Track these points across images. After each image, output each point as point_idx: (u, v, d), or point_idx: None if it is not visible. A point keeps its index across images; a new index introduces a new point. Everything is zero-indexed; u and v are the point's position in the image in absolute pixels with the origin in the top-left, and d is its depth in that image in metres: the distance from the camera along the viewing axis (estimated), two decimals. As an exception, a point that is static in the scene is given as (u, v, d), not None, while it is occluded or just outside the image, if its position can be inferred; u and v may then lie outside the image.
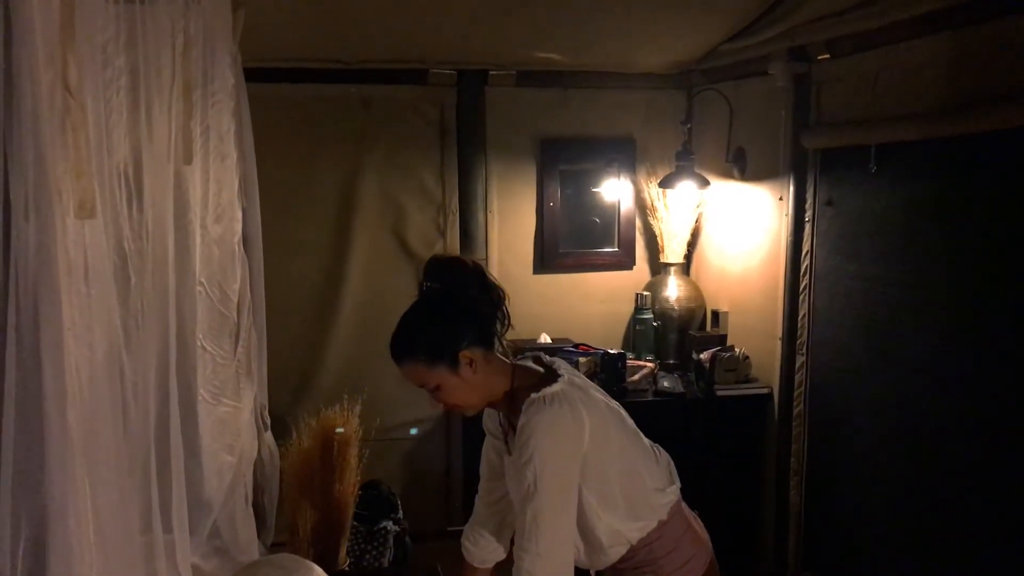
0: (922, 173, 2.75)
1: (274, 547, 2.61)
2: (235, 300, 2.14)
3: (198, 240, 1.91)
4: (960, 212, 2.59)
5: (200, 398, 1.97)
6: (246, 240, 2.32)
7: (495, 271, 4.10)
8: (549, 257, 4.15)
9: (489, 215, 4.09)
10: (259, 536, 2.45)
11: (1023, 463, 2.33)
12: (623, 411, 2.04)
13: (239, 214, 2.18)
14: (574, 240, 4.21)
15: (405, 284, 3.76)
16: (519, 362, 2.03)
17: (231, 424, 2.16)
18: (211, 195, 1.99)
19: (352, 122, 3.89)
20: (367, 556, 3.42)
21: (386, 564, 3.42)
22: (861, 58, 2.95)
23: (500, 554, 2.24)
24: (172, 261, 1.67)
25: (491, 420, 2.13)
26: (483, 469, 2.21)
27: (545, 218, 4.13)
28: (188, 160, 1.71)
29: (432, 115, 3.98)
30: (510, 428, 1.98)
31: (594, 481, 1.89)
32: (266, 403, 2.50)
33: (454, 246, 4.04)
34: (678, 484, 2.06)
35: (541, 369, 1.98)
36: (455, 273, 1.93)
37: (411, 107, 3.95)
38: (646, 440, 2.07)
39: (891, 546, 2.96)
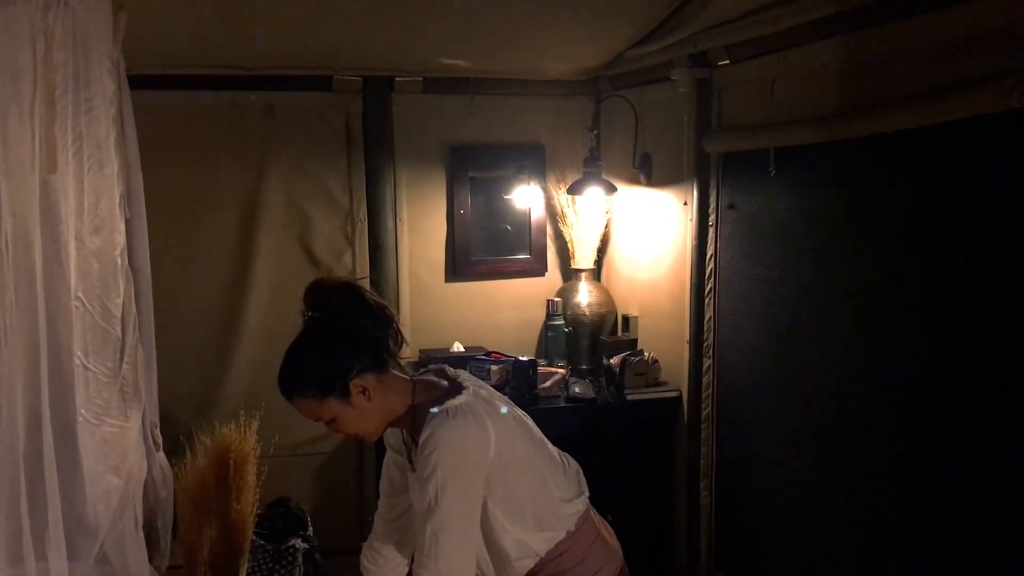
0: (820, 176, 2.80)
1: (170, 571, 2.51)
2: (118, 315, 2.04)
3: (72, 253, 1.82)
4: (858, 214, 2.63)
5: (80, 418, 1.87)
6: (131, 252, 2.22)
7: (406, 280, 4.07)
8: (461, 265, 4.13)
9: (399, 223, 4.04)
10: (152, 560, 2.35)
11: (929, 462, 2.37)
12: (530, 421, 2.01)
13: (122, 226, 2.09)
14: (486, 247, 4.19)
15: (312, 294, 3.68)
16: (421, 376, 1.99)
17: (116, 445, 2.06)
18: (87, 205, 1.89)
19: (255, 130, 3.81)
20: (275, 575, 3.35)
21: None
22: (759, 63, 2.99)
23: (402, 571, 2.19)
24: (41, 275, 1.58)
25: (393, 436, 2.08)
26: (383, 485, 2.16)
27: (456, 225, 4.11)
28: (52, 168, 1.62)
29: (338, 122, 3.92)
30: (413, 444, 1.94)
31: (500, 494, 1.86)
32: (157, 421, 2.40)
33: (363, 255, 3.98)
34: (587, 493, 2.04)
35: (444, 383, 1.94)
36: (335, 299, 1.89)
37: (316, 114, 3.89)
38: (554, 449, 2.04)
39: (800, 546, 2.99)
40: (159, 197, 3.50)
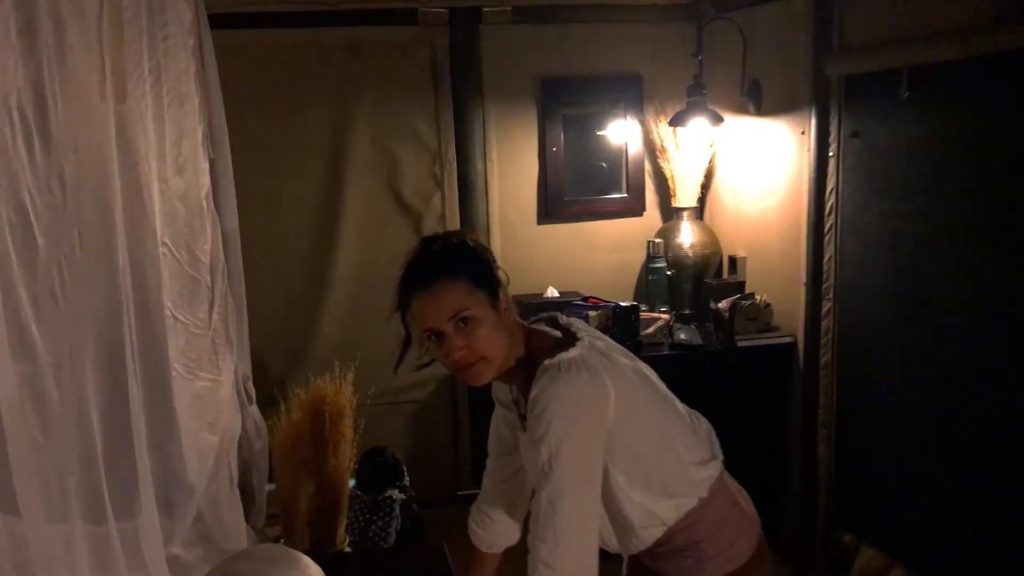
0: (961, 98, 2.51)
1: (267, 526, 2.42)
2: (207, 262, 1.91)
3: (156, 195, 1.68)
4: (1004, 141, 2.34)
5: (175, 373, 1.75)
6: (216, 196, 2.09)
7: (496, 223, 3.92)
8: (554, 206, 3.94)
9: (489, 163, 3.88)
10: (249, 519, 2.26)
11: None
12: (654, 375, 1.79)
13: (205, 166, 1.95)
14: (580, 187, 3.99)
15: (401, 240, 3.54)
16: (532, 325, 1.80)
17: (210, 400, 1.95)
18: (169, 143, 1.75)
19: (339, 69, 3.67)
20: (372, 527, 3.24)
21: (393, 534, 3.24)
22: (890, -29, 2.69)
23: (513, 536, 2.02)
24: (121, 218, 1.44)
25: (502, 391, 1.90)
26: (492, 444, 1.97)
27: (548, 164, 3.92)
28: (121, 98, 1.46)
29: (424, 59, 3.74)
30: (524, 400, 1.75)
31: (622, 457, 1.66)
32: (249, 374, 2.29)
33: (452, 197, 3.83)
34: (720, 457, 1.82)
35: (557, 332, 1.75)
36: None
37: (401, 51, 3.72)
38: (682, 407, 1.82)
39: (931, 504, 2.75)
40: (242, 141, 3.51)
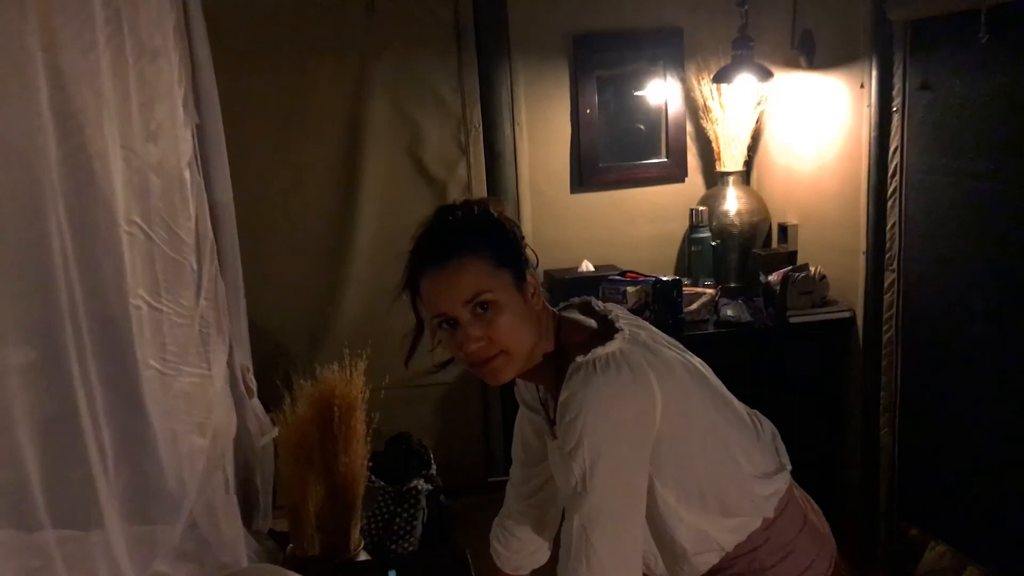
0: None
1: (273, 534, 2.21)
2: (191, 242, 1.68)
3: (117, 166, 1.44)
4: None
5: (150, 371, 1.52)
6: (205, 166, 1.85)
7: (526, 192, 3.67)
8: (588, 173, 3.68)
9: (517, 128, 3.62)
10: (252, 523, 2.05)
11: None
12: (708, 371, 1.50)
13: (186, 132, 1.71)
14: (616, 152, 3.73)
15: (424, 212, 3.27)
16: (562, 312, 1.54)
17: (199, 398, 1.72)
18: (136, 106, 1.51)
19: (355, 29, 3.42)
20: (397, 520, 3.06)
21: (419, 527, 3.07)
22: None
23: (541, 558, 1.75)
24: (60, 192, 1.20)
25: (527, 390, 1.63)
26: (516, 450, 1.70)
27: (582, 128, 3.66)
28: (50, 47, 1.21)
29: (446, 15, 3.49)
30: (553, 401, 1.49)
31: (671, 471, 1.39)
32: (249, 364, 2.06)
33: (478, 166, 3.58)
34: (789, 467, 1.54)
35: (592, 322, 1.48)
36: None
37: (421, 6, 3.46)
38: (741, 407, 1.54)
39: (1012, 499, 2.47)
40: (251, 109, 3.29)
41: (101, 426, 1.33)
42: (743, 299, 3.38)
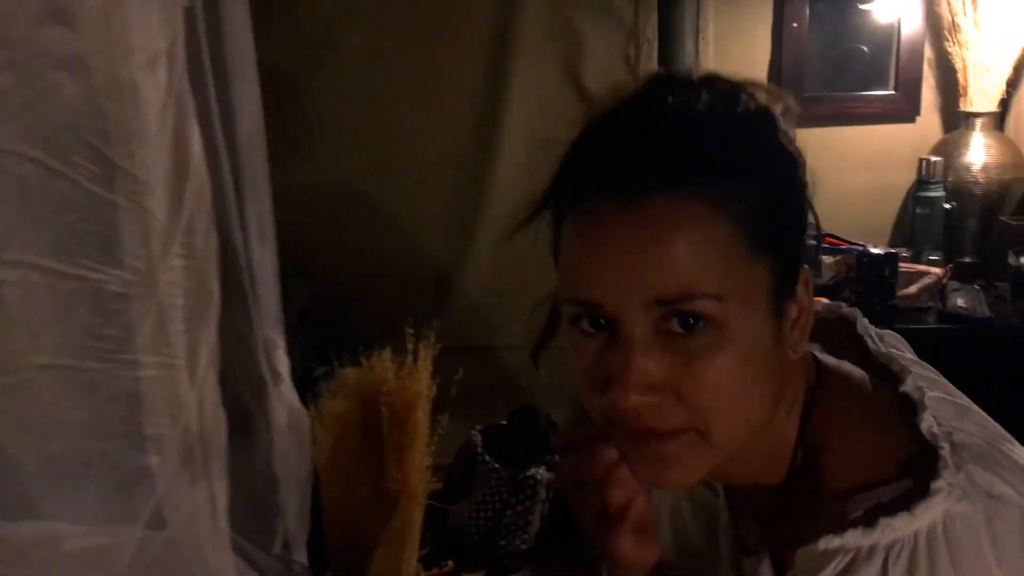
0: None
1: (319, 557, 1.78)
2: (147, 179, 1.20)
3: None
4: None
5: (34, 368, 1.09)
6: (220, 78, 1.37)
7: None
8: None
9: (702, 43, 3.10)
10: (271, 548, 1.62)
11: None
12: None
13: (161, 12, 1.21)
14: (827, 79, 3.19)
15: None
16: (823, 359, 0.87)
17: (157, 399, 1.27)
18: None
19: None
20: (509, 511, 2.71)
21: (535, 522, 2.73)
22: None
23: None
24: None
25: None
26: (663, 536, 1.01)
27: (785, 47, 3.11)
28: None
29: None
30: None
31: None
32: (280, 339, 1.61)
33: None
34: None
35: (877, 393, 0.82)
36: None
37: None
38: None
39: None
40: (374, 10, 2.94)
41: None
42: (981, 285, 2.74)
